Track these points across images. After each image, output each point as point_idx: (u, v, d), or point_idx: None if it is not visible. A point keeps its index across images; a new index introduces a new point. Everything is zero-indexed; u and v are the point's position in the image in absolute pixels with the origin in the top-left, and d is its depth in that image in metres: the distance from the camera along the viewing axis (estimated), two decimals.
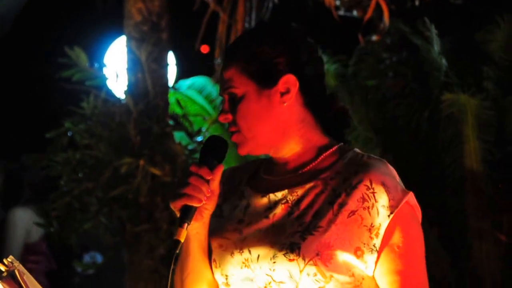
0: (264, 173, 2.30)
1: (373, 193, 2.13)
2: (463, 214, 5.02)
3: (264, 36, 2.23)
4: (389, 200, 2.13)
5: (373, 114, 5.46)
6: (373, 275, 2.15)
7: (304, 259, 2.10)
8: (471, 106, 4.91)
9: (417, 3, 5.66)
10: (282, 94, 2.19)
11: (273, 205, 2.21)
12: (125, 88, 5.58)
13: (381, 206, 2.13)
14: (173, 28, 5.70)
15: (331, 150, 2.23)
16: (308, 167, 2.23)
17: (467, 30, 5.62)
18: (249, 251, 2.18)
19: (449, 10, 5.87)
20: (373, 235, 2.12)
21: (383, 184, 2.14)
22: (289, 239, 2.13)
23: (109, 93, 5.63)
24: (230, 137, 2.24)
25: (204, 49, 5.61)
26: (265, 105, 2.19)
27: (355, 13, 5.82)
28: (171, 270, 2.16)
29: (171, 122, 5.56)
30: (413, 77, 5.62)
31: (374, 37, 5.75)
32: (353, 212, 2.12)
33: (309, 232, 2.12)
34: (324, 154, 2.23)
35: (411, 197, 2.17)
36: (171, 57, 6.15)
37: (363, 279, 2.15)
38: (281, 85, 2.19)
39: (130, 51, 5.64)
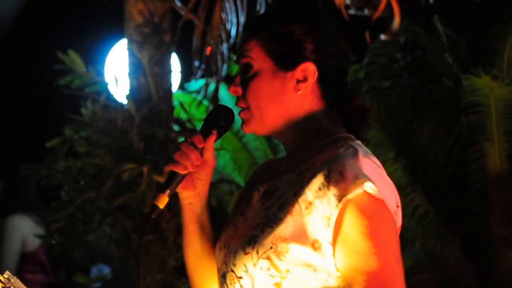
0: (276, 163, 2.26)
1: (329, 182, 2.02)
2: (487, 220, 4.85)
3: (296, 17, 2.16)
4: (341, 190, 2.00)
5: (385, 116, 5.34)
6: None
7: (258, 252, 2.05)
8: (495, 95, 4.71)
9: (431, 1, 5.52)
10: (298, 81, 2.14)
11: (260, 197, 2.17)
12: (127, 93, 5.46)
13: (333, 195, 2.01)
14: (177, 29, 5.56)
15: (323, 141, 2.14)
16: (298, 158, 2.16)
17: (481, 28, 5.51)
18: (228, 246, 2.16)
19: (463, 8, 5.75)
20: (326, 226, 2.01)
21: (340, 174, 2.02)
22: (251, 231, 2.10)
23: (110, 98, 5.52)
24: (239, 112, 2.20)
25: (209, 50, 5.47)
26: (277, 87, 2.14)
27: (366, 12, 5.70)
28: (142, 232, 2.09)
29: (175, 127, 5.42)
30: (428, 77, 5.49)
31: (384, 37, 5.63)
32: (310, 203, 2.03)
33: (269, 224, 2.07)
34: (313, 146, 2.15)
35: (372, 189, 1.99)
36: (175, 60, 6.02)
37: (329, 276, 2.03)
38: (299, 72, 2.14)
39: (131, 54, 5.52)
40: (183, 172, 2.13)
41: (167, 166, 2.13)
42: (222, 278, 2.15)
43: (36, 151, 5.48)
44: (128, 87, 5.47)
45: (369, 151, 2.13)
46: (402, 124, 5.34)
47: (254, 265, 2.05)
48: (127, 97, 5.42)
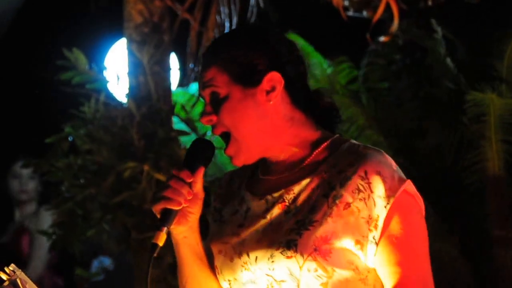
0: (262, 173, 2.26)
1: (369, 183, 2.10)
2: (485, 220, 4.91)
3: (242, 38, 2.24)
4: (386, 190, 2.10)
5: (383, 116, 5.36)
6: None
7: (302, 255, 2.09)
8: (495, 105, 4.79)
9: (430, 3, 5.54)
10: (268, 92, 2.19)
11: (271, 206, 2.20)
12: (127, 91, 5.47)
13: (378, 196, 2.10)
14: (175, 28, 5.58)
15: (325, 144, 2.21)
16: (303, 164, 2.21)
17: (480, 31, 5.52)
18: (247, 254, 2.17)
19: (462, 10, 5.77)
20: (371, 227, 2.10)
21: (379, 174, 2.11)
22: (286, 236, 2.12)
23: (110, 96, 5.53)
24: (224, 149, 2.20)
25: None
26: (250, 104, 2.18)
27: (365, 13, 5.72)
28: (149, 274, 2.16)
29: (175, 125, 5.44)
30: (427, 79, 5.51)
31: (382, 38, 5.66)
32: (348, 204, 2.10)
33: (305, 227, 2.11)
34: (318, 149, 2.21)
35: (409, 185, 2.13)
36: (174, 59, 6.03)
37: (368, 272, 2.13)
38: (265, 83, 2.18)
39: (131, 53, 5.53)
40: (176, 208, 2.14)
41: (158, 204, 2.14)
42: (249, 284, 2.17)
43: (37, 148, 5.46)
44: (128, 86, 5.48)
45: None
46: (401, 124, 5.36)
47: (300, 267, 2.09)
48: (127, 95, 5.43)
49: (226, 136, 2.21)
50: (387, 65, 5.71)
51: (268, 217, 2.18)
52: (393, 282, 2.10)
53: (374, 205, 2.09)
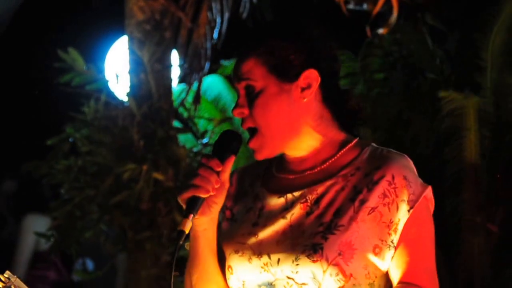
0: (278, 171, 2.24)
1: (395, 188, 2.12)
2: (460, 208, 4.96)
3: (285, 30, 2.21)
4: (409, 195, 2.12)
5: (369, 107, 5.35)
6: (386, 271, 2.15)
7: (327, 259, 2.09)
8: (472, 102, 4.85)
9: None
10: (303, 89, 2.16)
11: (290, 205, 2.17)
12: (128, 90, 5.45)
13: (401, 201, 2.12)
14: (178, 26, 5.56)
15: (349, 145, 2.20)
16: (327, 164, 2.20)
17: (470, 21, 5.50)
18: (269, 256, 2.15)
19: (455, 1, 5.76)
20: (391, 231, 2.12)
21: (405, 178, 2.13)
22: (311, 240, 2.11)
23: (111, 96, 5.50)
24: (248, 141, 2.19)
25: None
26: (285, 100, 2.16)
27: (365, 6, 5.70)
28: (173, 264, 2.12)
29: (176, 123, 5.42)
30: (416, 70, 5.52)
31: (381, 31, 5.65)
32: (373, 209, 2.11)
33: (331, 231, 2.10)
34: (343, 150, 2.20)
35: (429, 191, 2.16)
36: (175, 57, 6.00)
37: (376, 277, 2.14)
38: (302, 80, 2.16)
39: (132, 51, 5.51)
40: (204, 195, 2.13)
41: (186, 193, 2.13)
42: (265, 286, 2.15)
43: (45, 151, 5.47)
44: (129, 84, 5.45)
45: None
46: (392, 115, 5.37)
47: (324, 271, 2.09)
48: (128, 94, 5.41)
49: (253, 130, 2.19)
50: (385, 56, 5.69)
51: (288, 217, 2.16)
52: (404, 275, 2.12)
53: (397, 209, 2.11)
